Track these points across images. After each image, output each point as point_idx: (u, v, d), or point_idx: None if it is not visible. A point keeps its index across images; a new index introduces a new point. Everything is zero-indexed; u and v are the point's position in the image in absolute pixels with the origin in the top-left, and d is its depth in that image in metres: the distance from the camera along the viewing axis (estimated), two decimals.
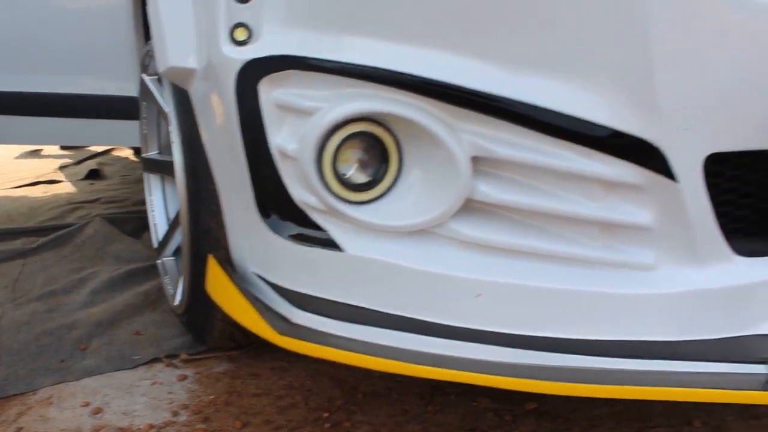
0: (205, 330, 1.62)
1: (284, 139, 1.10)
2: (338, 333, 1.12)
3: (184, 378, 1.60)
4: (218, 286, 1.33)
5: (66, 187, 3.77)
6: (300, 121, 1.09)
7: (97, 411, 1.47)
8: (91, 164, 4.32)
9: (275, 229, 1.16)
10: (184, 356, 1.69)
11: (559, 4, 0.97)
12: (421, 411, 1.45)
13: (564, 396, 1.12)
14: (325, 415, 1.44)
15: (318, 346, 1.11)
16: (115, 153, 4.72)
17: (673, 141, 0.99)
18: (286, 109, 1.09)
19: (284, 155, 1.10)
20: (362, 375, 1.59)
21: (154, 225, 1.94)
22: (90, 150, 4.70)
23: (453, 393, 1.51)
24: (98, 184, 3.83)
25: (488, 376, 1.03)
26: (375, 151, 1.09)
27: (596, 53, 0.97)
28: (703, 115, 0.99)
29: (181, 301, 1.65)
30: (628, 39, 0.96)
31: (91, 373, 1.61)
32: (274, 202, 1.15)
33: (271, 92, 1.09)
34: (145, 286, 2.05)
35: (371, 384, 1.55)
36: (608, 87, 0.98)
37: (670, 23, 0.94)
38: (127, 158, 4.62)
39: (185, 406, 1.48)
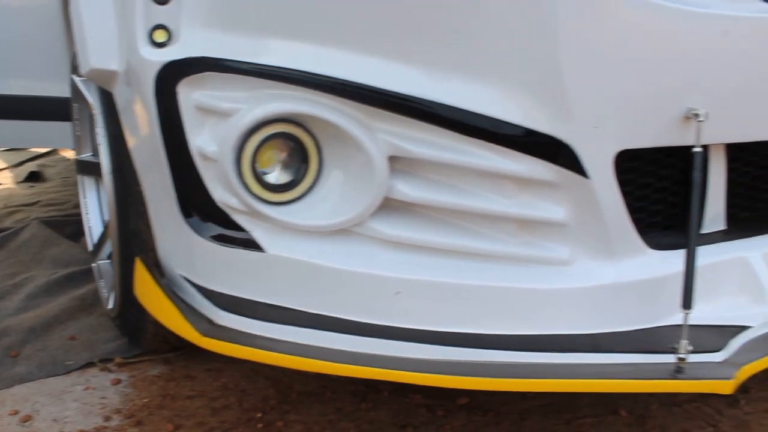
0: (138, 333, 1.60)
1: (204, 140, 1.10)
2: (261, 333, 1.12)
3: (117, 382, 1.59)
4: (144, 288, 1.33)
5: (4, 190, 3.69)
6: (219, 122, 1.09)
7: (27, 419, 1.45)
8: (32, 166, 4.23)
9: (198, 231, 1.15)
10: (118, 360, 1.67)
11: (470, 8, 0.98)
12: (354, 409, 1.46)
13: (495, 390, 1.14)
14: (259, 415, 1.45)
15: (242, 347, 1.11)
16: (62, 153, 4.63)
17: (584, 139, 1.02)
18: (205, 110, 1.09)
19: (205, 157, 1.10)
20: (297, 374, 1.59)
21: (89, 228, 1.92)
22: (32, 151, 4.61)
23: (387, 390, 1.52)
24: (38, 187, 3.75)
25: (408, 373, 1.05)
26: (295, 152, 1.10)
27: (507, 55, 0.99)
28: (612, 113, 1.02)
29: (114, 304, 1.63)
30: (537, 41, 0.98)
31: (21, 380, 1.58)
32: (196, 203, 1.15)
33: (190, 94, 1.09)
34: (82, 290, 2.02)
35: (306, 383, 1.55)
36: (520, 87, 1.00)
37: (576, 25, 0.97)
38: (69, 159, 4.54)
39: (118, 411, 1.47)
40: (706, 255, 1.22)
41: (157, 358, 1.68)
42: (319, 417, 1.43)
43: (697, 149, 1.05)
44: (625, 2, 0.98)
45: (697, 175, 1.04)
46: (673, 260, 1.16)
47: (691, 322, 1.15)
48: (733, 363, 1.09)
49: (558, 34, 0.96)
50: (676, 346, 1.03)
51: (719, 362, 1.09)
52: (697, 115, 1.05)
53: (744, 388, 1.57)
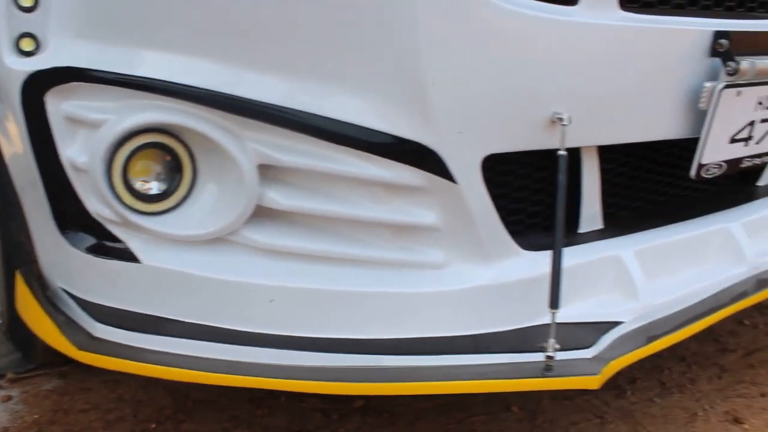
0: (29, 347, 1.57)
1: (75, 151, 1.08)
2: (140, 345, 1.11)
3: (8, 399, 1.55)
4: (24, 302, 1.30)
5: None
6: (89, 133, 1.07)
7: None
8: None
9: (74, 242, 1.14)
10: (10, 376, 1.63)
11: (330, 18, 0.99)
12: (250, 416, 1.46)
13: (368, 394, 1.16)
14: (153, 426, 1.43)
15: (118, 360, 1.10)
16: None
17: (449, 144, 1.04)
18: (75, 121, 1.08)
19: (76, 168, 1.09)
20: (195, 383, 1.57)
21: None
22: None
23: (283, 396, 1.52)
24: None
25: (284, 380, 1.05)
26: (169, 162, 1.09)
27: (369, 63, 1.01)
28: (476, 118, 1.04)
29: (3, 318, 1.59)
30: (397, 49, 0.99)
31: None
32: (71, 214, 1.13)
33: (59, 105, 1.07)
34: None
35: (203, 391, 1.54)
36: (383, 95, 1.01)
37: (436, 33, 0.99)
38: None
39: (5, 429, 1.43)
40: (581, 254, 1.26)
41: (53, 371, 1.64)
42: (214, 425, 1.42)
43: (562, 152, 1.08)
44: (486, 10, 1.00)
45: (561, 177, 1.07)
46: (547, 261, 1.19)
47: (566, 319, 1.19)
48: (602, 358, 1.12)
49: (417, 41, 0.98)
50: (545, 345, 1.06)
51: (589, 358, 1.12)
52: (561, 119, 1.08)
53: (631, 378, 1.63)
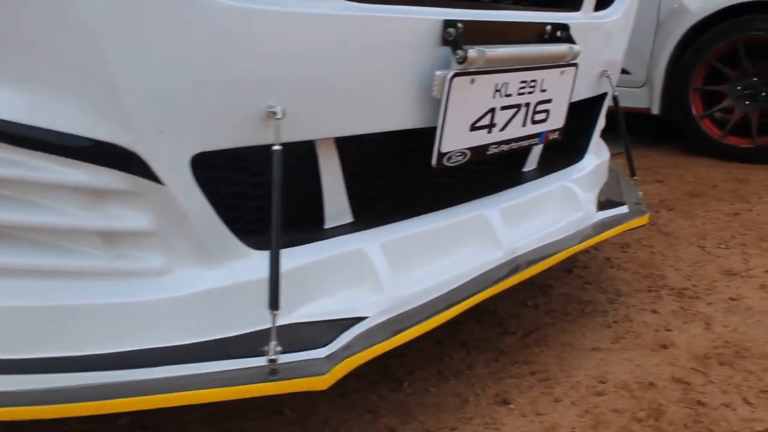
0: None
1: None
2: None
3: None
4: None
5: None
6: None
7: None
8: None
9: None
10: None
11: (10, 15, 0.90)
12: None
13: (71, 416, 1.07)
14: None
15: None
16: None
17: (150, 145, 0.97)
18: None
19: None
20: None
21: None
22: None
23: (44, 422, 1.41)
24: None
25: None
26: None
27: (58, 63, 0.92)
28: (178, 116, 0.98)
29: None
30: (83, 46, 0.91)
31: None
32: None
33: None
34: None
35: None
36: (74, 95, 0.93)
37: (122, 28, 0.91)
38: None
39: None
40: (325, 249, 1.23)
41: None
42: None
43: (276, 148, 1.03)
44: (182, 1, 0.94)
45: (276, 174, 1.03)
46: (283, 259, 1.15)
47: (307, 318, 1.15)
48: (336, 357, 1.09)
49: (102, 37, 0.90)
50: (266, 348, 1.02)
51: (322, 358, 1.09)
52: (274, 114, 1.04)
53: (410, 369, 1.63)
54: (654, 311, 1.96)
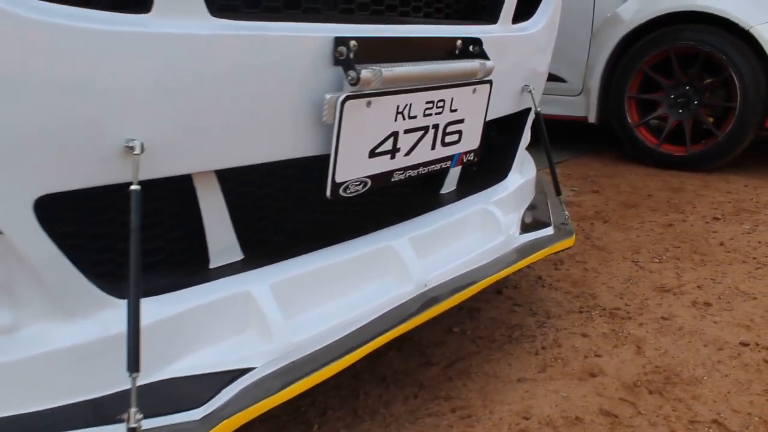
0: None
1: None
2: None
3: None
4: None
5: None
6: None
7: None
8: None
9: None
10: None
11: None
12: None
13: None
14: None
15: None
16: None
17: None
18: None
19: None
20: None
21: None
22: None
23: None
24: None
25: None
26: None
27: None
28: (11, 155, 0.84)
29: None
30: None
31: None
32: None
33: None
34: None
35: None
36: None
37: None
38: None
39: None
40: (208, 293, 1.10)
41: None
42: None
43: (134, 188, 0.90)
44: (9, 23, 0.80)
45: (134, 218, 0.89)
46: (157, 307, 1.02)
47: (184, 372, 1.02)
48: (213, 419, 0.97)
49: None
50: (124, 416, 0.88)
51: (198, 420, 0.96)
52: (132, 149, 0.91)
53: (322, 410, 1.51)
54: (584, 335, 1.88)
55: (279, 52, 1.05)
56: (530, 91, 1.71)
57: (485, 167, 1.69)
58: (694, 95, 3.85)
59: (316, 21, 1.11)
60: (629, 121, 4.01)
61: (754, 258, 2.51)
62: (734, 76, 3.63)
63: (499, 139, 1.76)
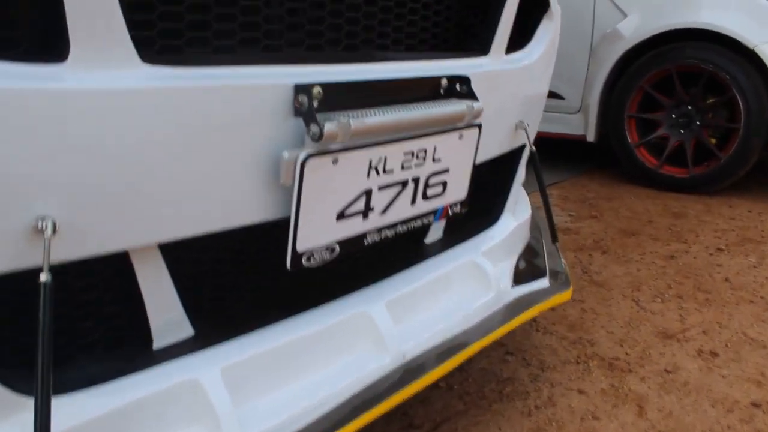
0: None
1: None
2: None
3: None
4: None
5: None
6: None
7: None
8: None
9: None
10: None
11: None
12: None
13: None
14: None
15: None
16: None
17: None
18: None
19: None
20: None
21: None
22: None
23: None
24: None
25: None
26: None
27: None
28: None
29: None
30: None
31: None
32: None
33: None
34: None
35: None
36: None
37: None
38: None
39: None
40: (145, 384, 0.94)
41: None
42: None
43: (44, 277, 0.74)
44: None
45: (43, 314, 0.73)
46: (81, 404, 0.86)
47: None
48: None
49: None
50: None
51: None
52: (42, 229, 0.75)
53: None
54: (581, 391, 1.72)
55: (227, 105, 0.89)
56: (525, 128, 1.56)
57: (475, 210, 1.53)
58: (696, 115, 3.70)
59: (273, 62, 0.95)
60: (629, 140, 3.87)
61: (762, 297, 2.36)
62: (738, 96, 3.49)
63: (490, 179, 1.60)
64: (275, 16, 0.98)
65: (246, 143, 0.92)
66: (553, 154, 4.70)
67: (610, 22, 3.86)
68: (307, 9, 1.01)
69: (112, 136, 0.79)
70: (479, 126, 1.26)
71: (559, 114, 4.11)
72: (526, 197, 1.90)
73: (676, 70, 3.64)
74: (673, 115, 3.77)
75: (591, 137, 4.02)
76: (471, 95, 1.24)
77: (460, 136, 1.21)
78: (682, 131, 3.76)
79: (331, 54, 1.06)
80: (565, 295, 1.56)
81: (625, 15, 3.80)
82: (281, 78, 0.95)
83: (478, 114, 1.23)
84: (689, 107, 3.72)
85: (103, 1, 0.76)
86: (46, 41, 0.76)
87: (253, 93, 0.91)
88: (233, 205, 0.94)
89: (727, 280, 2.53)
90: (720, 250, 2.86)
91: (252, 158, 0.93)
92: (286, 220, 1.00)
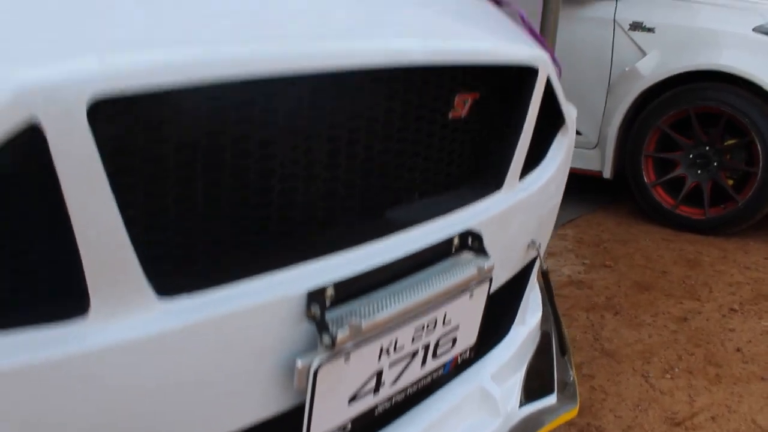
0: None
1: None
2: None
3: None
4: None
5: None
6: None
7: None
8: None
9: None
10: None
11: None
12: None
13: None
14: None
15: None
16: None
17: None
18: None
19: None
20: None
21: None
22: None
23: None
24: None
25: None
26: None
27: None
28: None
29: None
30: None
31: None
32: None
33: None
34: None
35: None
36: None
37: None
38: None
39: None
40: None
41: None
42: None
43: None
44: None
45: None
46: None
47: None
48: None
49: None
50: None
51: None
52: None
53: None
54: None
55: (244, 326, 0.92)
56: (537, 247, 1.57)
57: (483, 335, 1.56)
58: (714, 156, 3.69)
59: (285, 264, 0.98)
60: (645, 179, 3.86)
61: None
62: (757, 140, 3.47)
63: (499, 301, 1.62)
64: (286, 219, 1.00)
65: (262, 357, 0.95)
66: (567, 186, 4.69)
67: (629, 60, 3.84)
68: (318, 201, 1.04)
69: (134, 384, 0.82)
70: (490, 279, 1.28)
71: (576, 149, 4.10)
72: (538, 292, 1.91)
73: (694, 111, 3.62)
74: (691, 156, 3.77)
75: (607, 174, 4.01)
76: (482, 252, 1.26)
77: (471, 296, 1.24)
78: (699, 172, 3.76)
79: (342, 239, 1.08)
80: (571, 413, 1.59)
81: (644, 53, 3.78)
82: (294, 285, 0.97)
83: (489, 270, 1.25)
84: (707, 148, 3.71)
85: (118, 249, 0.78)
86: (67, 298, 0.79)
87: (269, 308, 0.94)
88: (248, 410, 0.97)
89: (738, 350, 2.54)
90: (733, 310, 2.87)
91: (266, 370, 0.96)
92: (299, 407, 1.03)
